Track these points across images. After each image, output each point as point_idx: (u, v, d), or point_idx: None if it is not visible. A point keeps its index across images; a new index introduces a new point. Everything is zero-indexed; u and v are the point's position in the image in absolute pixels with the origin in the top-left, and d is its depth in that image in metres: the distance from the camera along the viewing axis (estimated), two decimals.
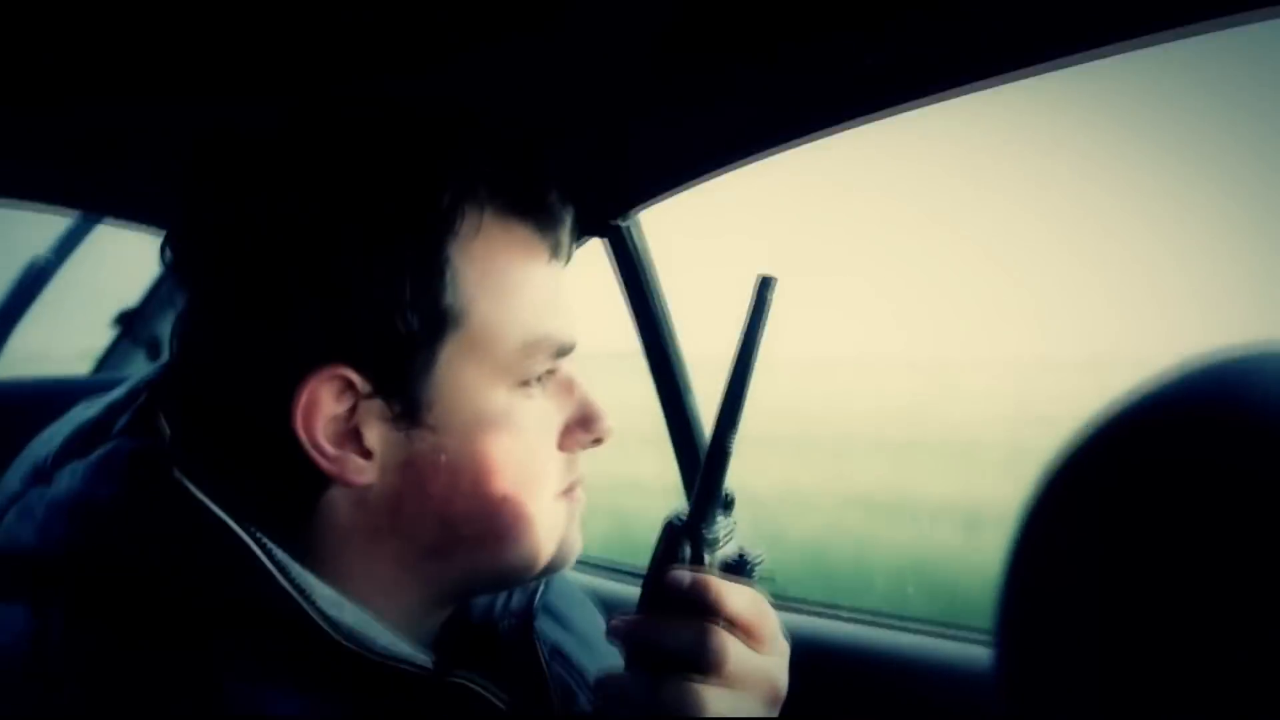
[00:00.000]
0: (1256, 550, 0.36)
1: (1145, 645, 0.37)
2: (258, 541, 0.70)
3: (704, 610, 0.73)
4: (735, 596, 0.73)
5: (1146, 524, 0.38)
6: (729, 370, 0.76)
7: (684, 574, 0.74)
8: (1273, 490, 0.36)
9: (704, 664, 0.72)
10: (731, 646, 0.72)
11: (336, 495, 0.74)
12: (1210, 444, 0.39)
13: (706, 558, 0.75)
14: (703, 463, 0.76)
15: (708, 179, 1.36)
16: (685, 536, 0.76)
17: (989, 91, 1.03)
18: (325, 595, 0.72)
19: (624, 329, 1.67)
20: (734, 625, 0.73)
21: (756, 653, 0.74)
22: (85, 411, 0.80)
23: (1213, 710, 0.36)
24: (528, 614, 0.88)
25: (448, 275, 0.73)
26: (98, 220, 2.09)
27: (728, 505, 0.77)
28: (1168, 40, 0.89)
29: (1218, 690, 0.36)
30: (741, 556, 0.77)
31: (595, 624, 1.00)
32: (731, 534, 0.78)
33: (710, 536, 0.76)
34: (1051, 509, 0.43)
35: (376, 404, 0.73)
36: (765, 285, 0.75)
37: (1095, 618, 0.39)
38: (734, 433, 0.75)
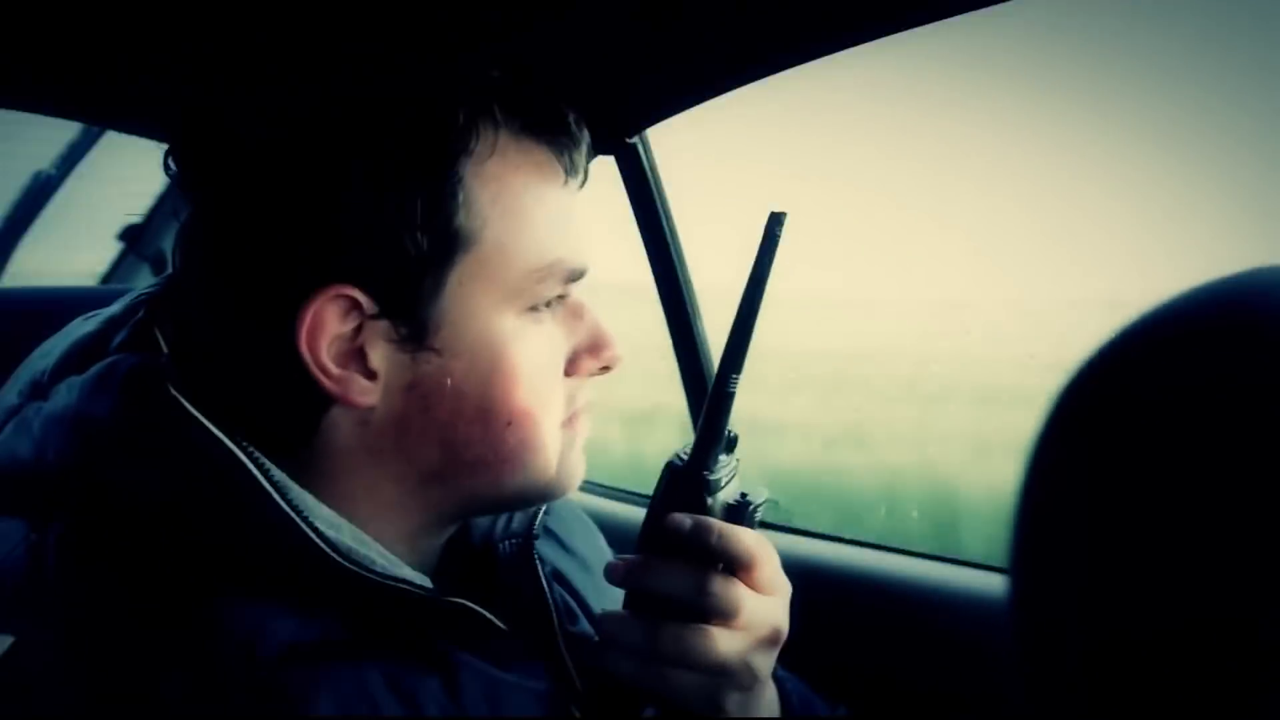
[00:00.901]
0: (1266, 464, 0.35)
1: (1161, 565, 0.37)
2: (254, 460, 0.69)
3: (705, 553, 0.73)
4: (737, 539, 0.73)
5: (1157, 440, 0.38)
6: (736, 309, 0.74)
7: (685, 517, 0.73)
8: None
9: (704, 608, 0.72)
10: (732, 590, 0.72)
11: (339, 416, 0.73)
12: (1218, 356, 0.38)
13: (708, 500, 0.75)
14: (705, 404, 0.75)
15: (719, 94, 1.34)
16: (686, 478, 0.75)
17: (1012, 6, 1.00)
18: (323, 515, 0.71)
19: (630, 260, 1.66)
20: (735, 568, 0.73)
21: (757, 595, 0.74)
22: (83, 326, 0.79)
23: (1233, 631, 0.35)
24: (528, 536, 0.88)
25: (460, 196, 0.71)
26: (101, 132, 2.07)
27: (730, 446, 0.77)
28: None
29: (1234, 610, 0.35)
30: (744, 498, 0.77)
31: (597, 547, 1.00)
32: (734, 474, 0.77)
33: (712, 478, 0.75)
34: (1062, 429, 0.42)
35: (383, 325, 0.71)
36: (774, 221, 0.73)
37: (1109, 540, 0.38)
38: (737, 375, 0.74)
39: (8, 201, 2.23)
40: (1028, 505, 0.42)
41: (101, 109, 1.64)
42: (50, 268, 2.41)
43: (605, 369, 0.82)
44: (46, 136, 2.14)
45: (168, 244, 2.11)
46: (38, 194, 2.19)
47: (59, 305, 0.90)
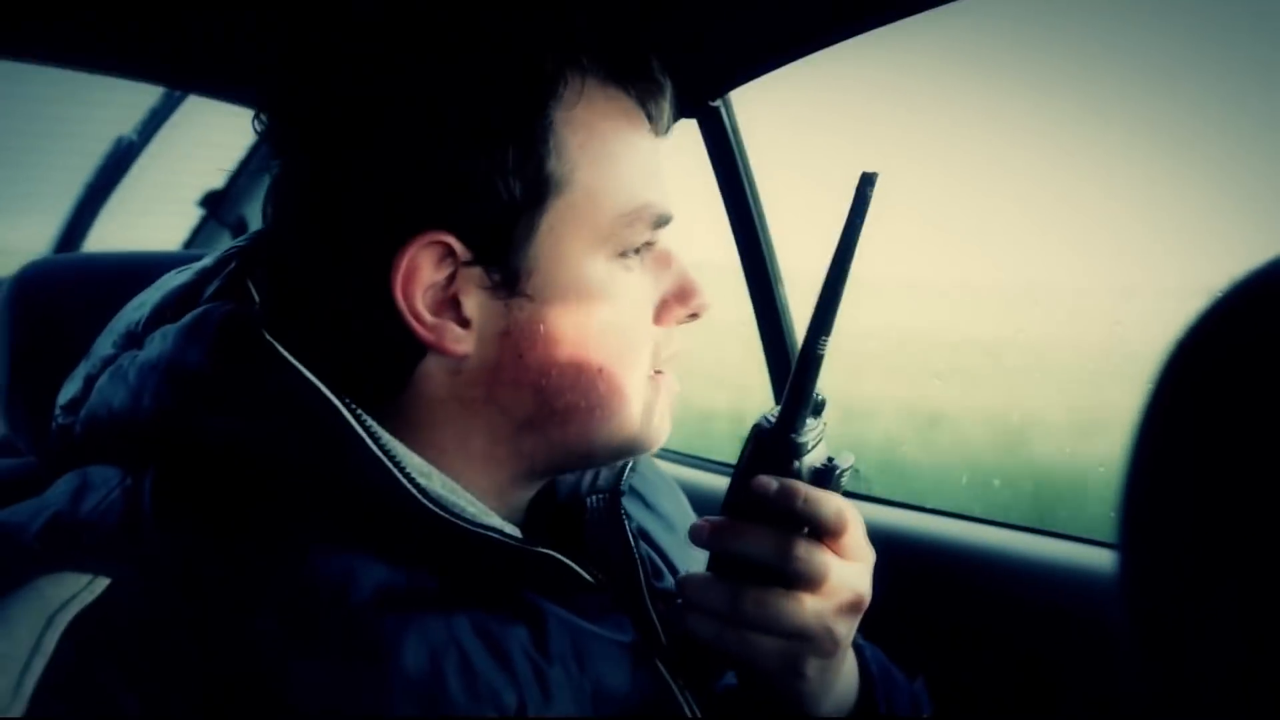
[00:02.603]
0: None
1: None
2: (348, 406, 0.69)
3: (791, 517, 0.72)
4: (823, 504, 0.72)
5: (1274, 400, 0.36)
6: (825, 272, 0.73)
7: (771, 480, 0.73)
8: None
9: (788, 572, 0.71)
10: (817, 555, 0.72)
11: (432, 365, 0.73)
12: None
13: (795, 463, 0.74)
14: (793, 366, 0.74)
15: (805, 55, 1.31)
16: (774, 441, 0.74)
17: None
18: (415, 463, 0.72)
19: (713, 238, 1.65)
20: (820, 533, 0.73)
21: (841, 561, 0.74)
22: (177, 278, 0.80)
23: None
24: (615, 492, 0.88)
25: (551, 142, 0.71)
26: (183, 97, 2.08)
27: (817, 409, 0.76)
28: None
29: None
30: (830, 462, 0.76)
31: (681, 507, 1.00)
32: (821, 438, 0.76)
33: (799, 441, 0.74)
34: (1172, 393, 0.41)
35: (476, 272, 0.71)
36: (866, 182, 0.72)
37: (1227, 505, 0.37)
38: (826, 337, 0.73)
39: (90, 167, 2.26)
40: (1138, 475, 0.41)
41: (185, 73, 1.65)
42: (131, 234, 2.45)
43: (693, 316, 0.82)
44: (129, 100, 2.16)
45: (249, 210, 2.14)
46: (120, 160, 2.21)
47: (146, 269, 0.90)
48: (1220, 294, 0.40)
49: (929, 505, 1.59)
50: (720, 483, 0.86)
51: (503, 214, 0.70)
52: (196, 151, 2.22)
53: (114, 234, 2.31)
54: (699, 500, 1.03)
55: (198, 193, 2.17)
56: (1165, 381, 0.41)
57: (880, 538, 0.80)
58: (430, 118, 0.69)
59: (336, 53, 0.74)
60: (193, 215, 2.21)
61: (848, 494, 0.76)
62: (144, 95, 2.13)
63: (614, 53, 0.76)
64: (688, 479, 1.81)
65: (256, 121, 0.76)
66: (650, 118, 0.79)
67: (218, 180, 2.15)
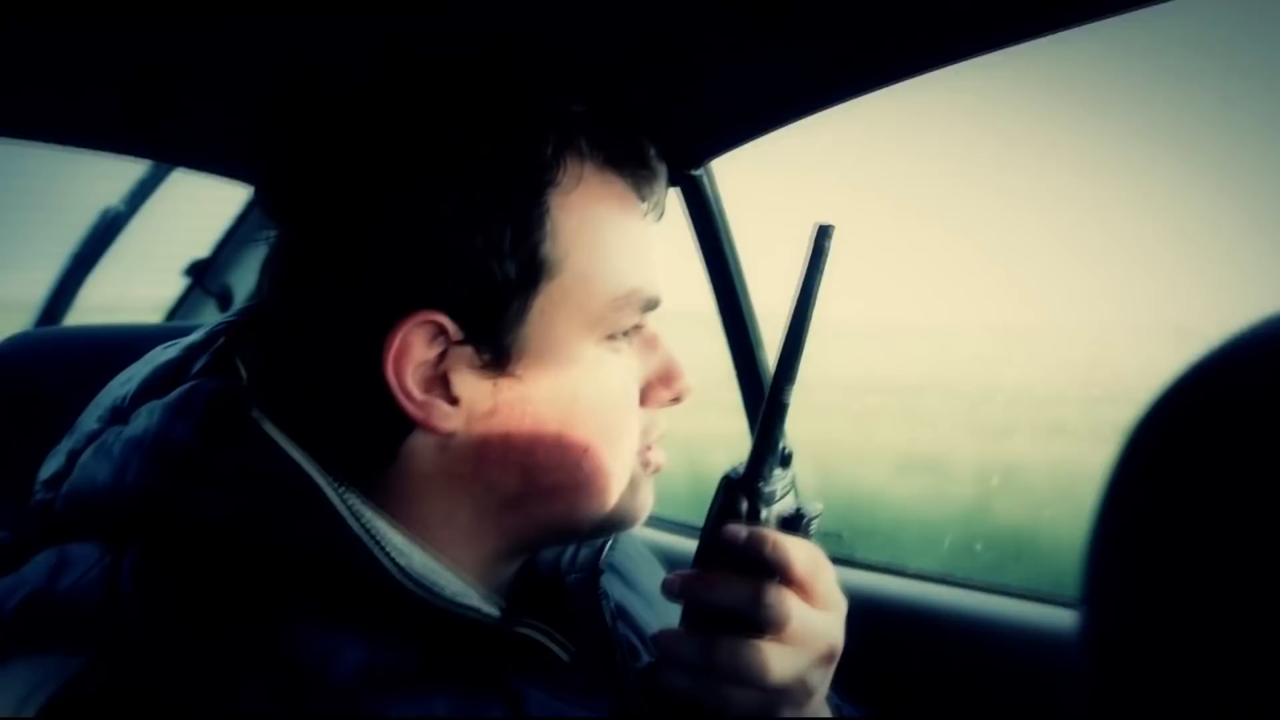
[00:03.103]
0: None
1: (1245, 601, 0.35)
2: (332, 484, 0.70)
3: (761, 566, 0.72)
4: (792, 551, 0.73)
5: (1239, 472, 0.37)
6: (786, 322, 0.75)
7: (740, 529, 0.74)
8: None
9: (760, 621, 0.72)
10: (788, 603, 0.72)
11: (420, 441, 0.74)
12: None
13: (763, 512, 0.75)
14: (759, 417, 0.75)
15: (785, 126, 1.34)
16: (742, 491, 0.75)
17: (1075, 34, 0.99)
18: (395, 542, 0.72)
19: (691, 288, 1.66)
20: (790, 581, 0.73)
21: (813, 609, 0.74)
22: (164, 353, 0.80)
23: None
24: (594, 569, 0.88)
25: (547, 225, 0.73)
26: (170, 170, 2.10)
27: (785, 460, 0.77)
28: None
29: None
30: (799, 511, 0.77)
31: (660, 583, 0.99)
32: (789, 488, 0.77)
33: (767, 491, 0.75)
34: (1140, 461, 0.41)
35: (466, 351, 0.72)
36: (823, 234, 0.74)
37: (1190, 572, 0.37)
38: (791, 386, 0.75)
39: (77, 238, 2.27)
40: (1103, 538, 0.42)
41: (172, 149, 1.66)
42: (116, 302, 2.45)
43: (676, 400, 0.83)
44: (117, 173, 2.17)
45: (234, 279, 2.15)
46: (106, 230, 2.22)
47: (128, 343, 0.91)
48: (1186, 368, 0.41)
49: (907, 567, 1.60)
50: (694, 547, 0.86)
51: (496, 295, 0.72)
52: (182, 222, 2.23)
53: (99, 302, 2.31)
54: (678, 567, 1.03)
55: (183, 262, 2.18)
56: (1131, 450, 0.41)
57: (859, 603, 0.80)
58: (428, 198, 0.70)
59: (334, 128, 0.75)
60: (178, 284, 2.22)
61: (830, 559, 0.77)
62: (132, 167, 2.14)
63: (611, 138, 0.78)
64: (667, 545, 1.81)
65: (256, 191, 0.78)
66: (644, 201, 0.81)
67: (203, 250, 2.16)
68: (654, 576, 0.99)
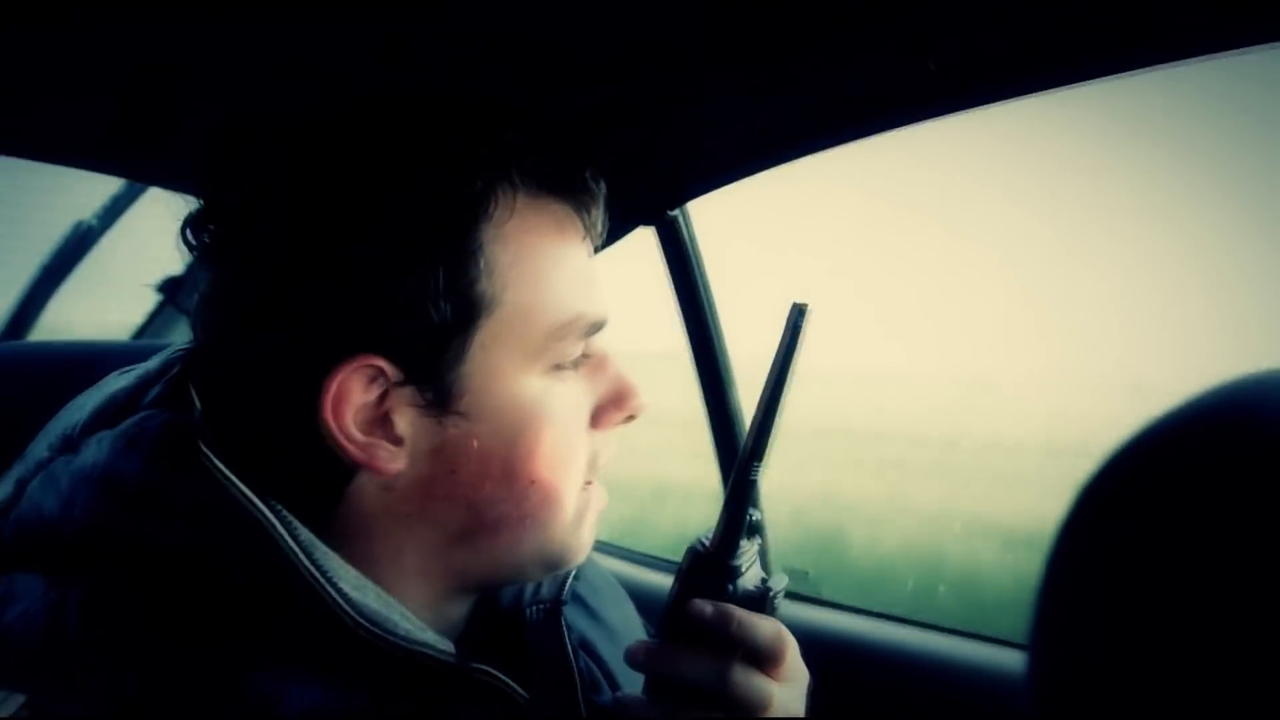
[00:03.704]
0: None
1: (1180, 655, 0.37)
2: (283, 521, 0.69)
3: (725, 641, 0.73)
4: (757, 628, 0.73)
5: (1180, 532, 0.39)
6: (759, 399, 0.75)
7: (706, 604, 0.74)
8: None
9: (723, 696, 0.72)
10: (752, 680, 0.73)
11: (365, 482, 0.73)
12: (1246, 452, 0.39)
13: (730, 587, 0.75)
14: (727, 491, 0.76)
15: (760, 171, 1.35)
16: (709, 565, 0.76)
17: (1051, 95, 1.01)
18: (349, 577, 0.71)
19: (663, 328, 1.67)
20: (755, 657, 0.73)
21: (776, 684, 0.74)
22: (117, 381, 0.79)
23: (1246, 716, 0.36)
24: (556, 602, 0.87)
25: (481, 262, 0.72)
26: (145, 186, 2.09)
27: (751, 532, 0.77)
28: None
29: (1251, 699, 0.35)
30: (765, 586, 0.77)
31: (625, 615, 0.99)
32: (755, 560, 0.78)
33: (734, 565, 0.76)
34: (1088, 518, 0.43)
35: (407, 391, 0.71)
36: (798, 314, 0.74)
37: (1130, 627, 0.39)
38: (759, 464, 0.75)
39: (47, 251, 2.25)
40: (1050, 588, 0.43)
41: (144, 166, 1.66)
42: (86, 319, 2.43)
43: (630, 419, 0.82)
44: (90, 189, 2.16)
45: None
46: (77, 245, 2.20)
47: (93, 360, 0.90)
48: (1138, 431, 0.43)
49: (871, 607, 1.60)
50: (664, 580, 0.87)
51: (433, 335, 0.71)
52: (156, 239, 2.22)
53: (68, 318, 2.29)
54: (649, 599, 1.04)
55: (157, 277, 2.16)
56: (1082, 504, 0.43)
57: (824, 642, 0.81)
58: (359, 241, 0.69)
59: (262, 169, 0.73)
60: (151, 299, 2.20)
61: (792, 595, 0.77)
62: (107, 184, 2.13)
63: (544, 164, 0.77)
64: (634, 577, 1.81)
65: (184, 232, 0.75)
66: (583, 225, 0.79)
67: (177, 267, 2.15)
68: (619, 607, 0.99)
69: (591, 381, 0.80)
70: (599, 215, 0.81)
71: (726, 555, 0.75)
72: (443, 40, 0.95)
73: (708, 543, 0.76)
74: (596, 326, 0.78)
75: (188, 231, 0.75)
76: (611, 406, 0.81)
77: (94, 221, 2.18)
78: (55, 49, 0.97)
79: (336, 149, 0.72)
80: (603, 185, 0.80)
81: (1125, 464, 0.43)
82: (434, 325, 0.70)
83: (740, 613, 0.73)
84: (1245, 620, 0.36)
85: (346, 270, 0.69)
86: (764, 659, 0.73)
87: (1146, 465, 0.42)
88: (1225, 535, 0.37)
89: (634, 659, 0.75)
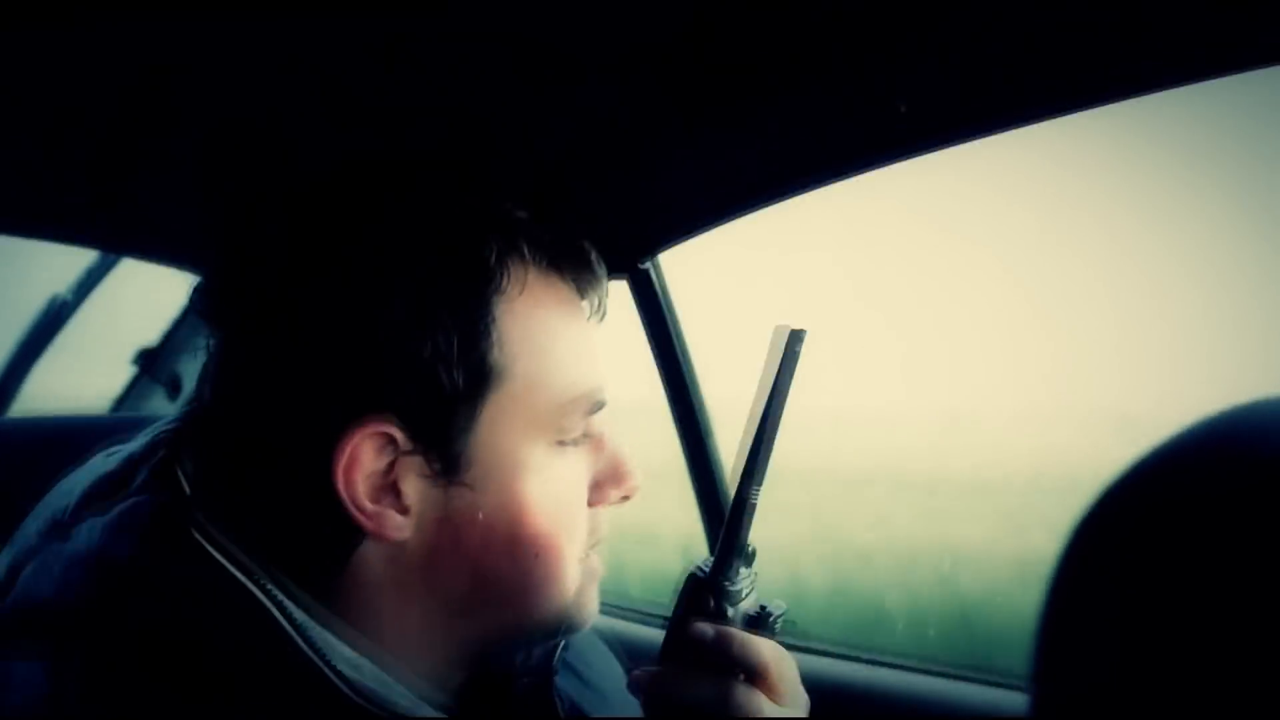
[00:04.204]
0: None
1: (1184, 687, 0.37)
2: (276, 603, 0.69)
3: (726, 664, 0.73)
4: (757, 650, 0.74)
5: (1180, 567, 0.38)
6: (755, 423, 0.76)
7: (706, 627, 0.75)
8: None
9: (724, 717, 0.72)
10: (752, 700, 0.73)
11: (369, 550, 0.73)
12: (1242, 481, 0.39)
13: (729, 610, 0.76)
14: (726, 516, 0.77)
15: (731, 220, 1.36)
16: (707, 589, 0.76)
17: (1017, 133, 1.03)
18: (344, 656, 0.71)
19: (637, 379, 1.67)
20: (755, 678, 0.74)
21: (776, 706, 0.75)
22: (105, 463, 0.79)
23: None
24: (547, 670, 0.87)
25: (493, 333, 0.73)
26: (118, 258, 2.09)
27: (749, 558, 0.78)
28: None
29: None
30: (763, 609, 0.78)
31: (615, 677, 0.99)
32: (753, 586, 0.78)
33: (732, 589, 0.76)
34: (1086, 552, 0.43)
35: (416, 460, 0.72)
36: (794, 338, 0.75)
37: (1132, 661, 0.39)
38: (757, 486, 0.76)
39: (22, 326, 2.24)
40: (1051, 623, 0.43)
41: (121, 238, 1.66)
42: (64, 390, 2.42)
43: (625, 498, 0.83)
44: (63, 263, 2.16)
45: (182, 368, 2.13)
46: (53, 319, 2.20)
47: (74, 435, 0.90)
48: (1132, 464, 0.43)
49: (861, 653, 1.60)
50: (654, 635, 0.87)
51: (444, 403, 0.71)
52: (131, 310, 2.22)
53: (46, 390, 2.28)
54: (639, 656, 1.02)
55: (132, 350, 2.16)
56: (1079, 540, 0.43)
57: (814, 690, 0.81)
58: (375, 306, 0.70)
59: (277, 234, 0.75)
60: (126, 371, 2.20)
61: (784, 644, 0.78)
62: (79, 255, 2.14)
63: (554, 242, 0.78)
64: (619, 631, 1.80)
65: (195, 298, 0.76)
66: (588, 304, 0.81)
67: (152, 338, 2.15)
68: (609, 671, 0.99)
69: (590, 457, 0.81)
70: (602, 294, 0.83)
71: (725, 579, 0.76)
72: (443, 40, 0.96)
73: (707, 568, 0.77)
74: (599, 404, 0.80)
75: (199, 296, 0.76)
76: (609, 484, 0.82)
77: (69, 296, 2.18)
78: (55, 49, 0.98)
79: (349, 213, 0.74)
80: (604, 266, 0.82)
81: (1122, 497, 0.43)
82: (446, 392, 0.71)
83: (741, 634, 0.74)
84: (1247, 650, 0.36)
85: (366, 333, 0.70)
86: (765, 680, 0.73)
87: (1144, 497, 0.42)
88: (1225, 566, 0.37)
89: (635, 683, 0.76)
